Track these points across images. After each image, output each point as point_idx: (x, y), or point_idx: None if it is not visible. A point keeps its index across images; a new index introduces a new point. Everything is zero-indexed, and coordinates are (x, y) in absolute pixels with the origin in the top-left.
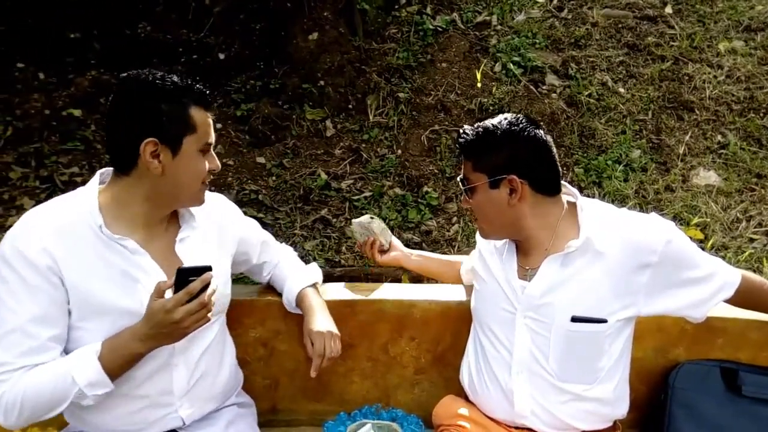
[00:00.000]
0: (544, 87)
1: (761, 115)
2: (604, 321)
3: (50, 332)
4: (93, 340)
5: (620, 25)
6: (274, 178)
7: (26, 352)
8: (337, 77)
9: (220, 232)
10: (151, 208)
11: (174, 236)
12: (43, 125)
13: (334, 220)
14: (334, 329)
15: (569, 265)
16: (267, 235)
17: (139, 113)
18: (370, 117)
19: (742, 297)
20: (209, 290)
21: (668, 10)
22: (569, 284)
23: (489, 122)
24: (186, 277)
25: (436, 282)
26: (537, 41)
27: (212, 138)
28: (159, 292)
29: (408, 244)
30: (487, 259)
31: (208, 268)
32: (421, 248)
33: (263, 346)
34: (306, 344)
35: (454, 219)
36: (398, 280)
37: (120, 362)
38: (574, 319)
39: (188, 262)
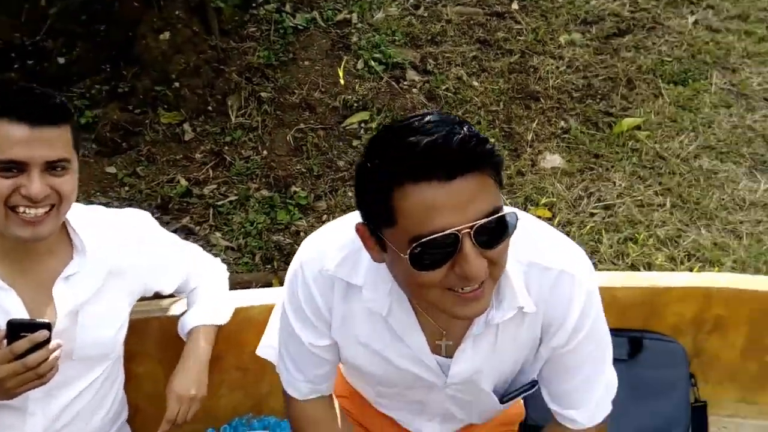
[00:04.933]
0: (405, 83)
1: (597, 100)
2: (535, 383)
3: None
4: None
5: (472, 22)
6: (127, 188)
7: None
8: (193, 78)
9: (126, 264)
10: (3, 235)
11: (56, 272)
12: None
13: (198, 228)
14: (198, 391)
15: (502, 331)
16: (191, 265)
17: None
18: (232, 118)
19: None
20: (51, 348)
21: (515, 6)
22: (499, 356)
23: (455, 125)
24: (18, 331)
25: None
26: (396, 38)
27: (10, 155)
28: None
29: (279, 245)
30: (366, 337)
31: (44, 326)
32: (291, 250)
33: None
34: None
35: (324, 217)
36: (269, 285)
37: None
38: (505, 401)
39: (65, 303)
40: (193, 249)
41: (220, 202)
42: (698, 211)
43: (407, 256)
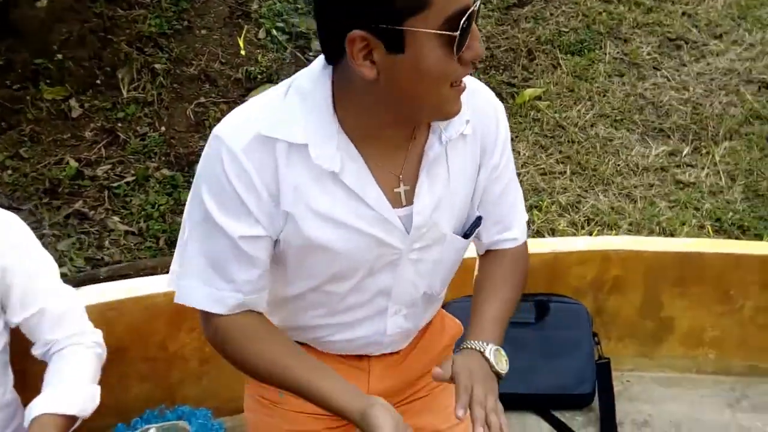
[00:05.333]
0: (311, 53)
1: (501, 71)
2: (480, 218)
3: None
4: None
5: None
6: (9, 171)
7: None
8: (78, 49)
9: None
10: None
11: None
12: None
13: (92, 212)
14: None
15: (452, 157)
16: (55, 303)
17: None
18: (124, 92)
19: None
20: None
21: None
22: (453, 189)
23: None
24: None
25: None
26: (299, 6)
27: None
28: None
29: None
30: (320, 204)
31: None
32: None
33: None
34: None
35: None
36: None
37: None
38: (468, 234)
39: None
40: (71, 296)
41: (115, 184)
42: (596, 177)
43: (457, 33)
